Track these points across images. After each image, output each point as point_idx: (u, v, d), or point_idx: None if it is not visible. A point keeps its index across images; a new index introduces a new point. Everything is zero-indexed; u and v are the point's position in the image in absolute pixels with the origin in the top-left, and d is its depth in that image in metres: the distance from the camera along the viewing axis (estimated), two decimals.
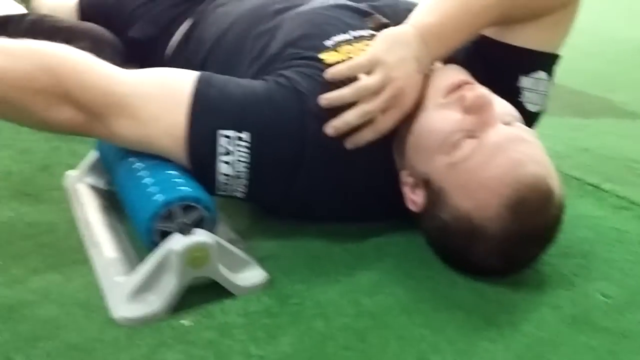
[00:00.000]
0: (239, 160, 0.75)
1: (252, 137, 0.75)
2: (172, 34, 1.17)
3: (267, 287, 0.73)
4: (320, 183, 0.80)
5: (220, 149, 0.75)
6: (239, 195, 0.79)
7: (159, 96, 0.76)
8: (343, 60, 0.80)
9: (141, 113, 0.74)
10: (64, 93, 0.73)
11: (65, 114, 0.74)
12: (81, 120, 0.75)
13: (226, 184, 0.77)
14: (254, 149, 0.75)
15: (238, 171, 0.76)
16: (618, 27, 2.47)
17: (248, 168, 0.76)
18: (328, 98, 0.77)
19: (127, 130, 0.75)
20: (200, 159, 0.76)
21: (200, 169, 0.76)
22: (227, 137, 0.75)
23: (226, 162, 0.75)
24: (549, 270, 0.81)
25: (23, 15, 1.30)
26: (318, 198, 0.82)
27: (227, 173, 0.76)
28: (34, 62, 0.74)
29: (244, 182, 0.77)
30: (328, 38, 0.85)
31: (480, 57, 0.86)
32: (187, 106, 0.75)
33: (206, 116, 0.75)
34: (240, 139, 0.75)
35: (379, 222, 0.87)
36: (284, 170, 0.78)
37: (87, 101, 0.74)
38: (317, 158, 0.79)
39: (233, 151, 0.75)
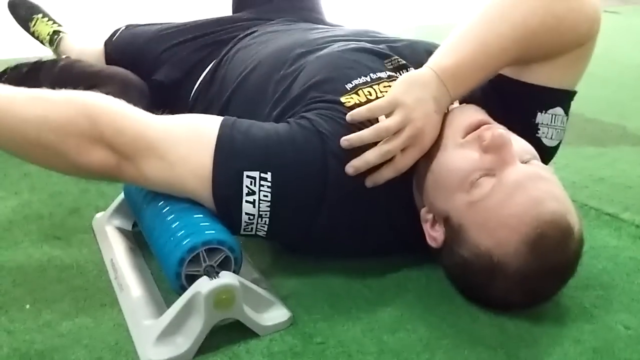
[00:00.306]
0: (262, 200, 0.78)
1: (275, 177, 0.78)
2: (196, 78, 1.20)
3: (290, 325, 0.74)
4: (340, 221, 0.82)
5: (244, 190, 0.77)
6: (261, 234, 0.81)
7: (187, 139, 0.79)
8: (363, 103, 0.83)
9: (170, 155, 0.78)
10: (99, 136, 0.77)
11: (97, 156, 0.78)
12: (113, 163, 0.78)
13: (250, 223, 0.79)
14: (277, 189, 0.78)
15: (261, 211, 0.78)
16: (632, 53, 2.47)
17: (270, 207, 0.78)
18: (349, 139, 0.79)
19: (155, 171, 0.78)
20: (225, 200, 0.78)
21: (225, 210, 0.78)
22: (251, 177, 0.77)
23: (250, 202, 0.78)
24: (570, 302, 0.81)
25: (54, 61, 1.36)
26: (338, 236, 0.83)
27: (250, 213, 0.78)
28: (76, 108, 0.78)
29: (267, 221, 0.79)
30: (349, 81, 0.87)
31: (498, 96, 0.87)
32: (212, 148, 0.78)
33: (231, 158, 0.78)
34: (263, 179, 0.77)
35: (398, 254, 0.88)
36: (305, 209, 0.80)
37: (119, 144, 0.78)
38: (337, 197, 0.80)
39: (256, 191, 0.77)
